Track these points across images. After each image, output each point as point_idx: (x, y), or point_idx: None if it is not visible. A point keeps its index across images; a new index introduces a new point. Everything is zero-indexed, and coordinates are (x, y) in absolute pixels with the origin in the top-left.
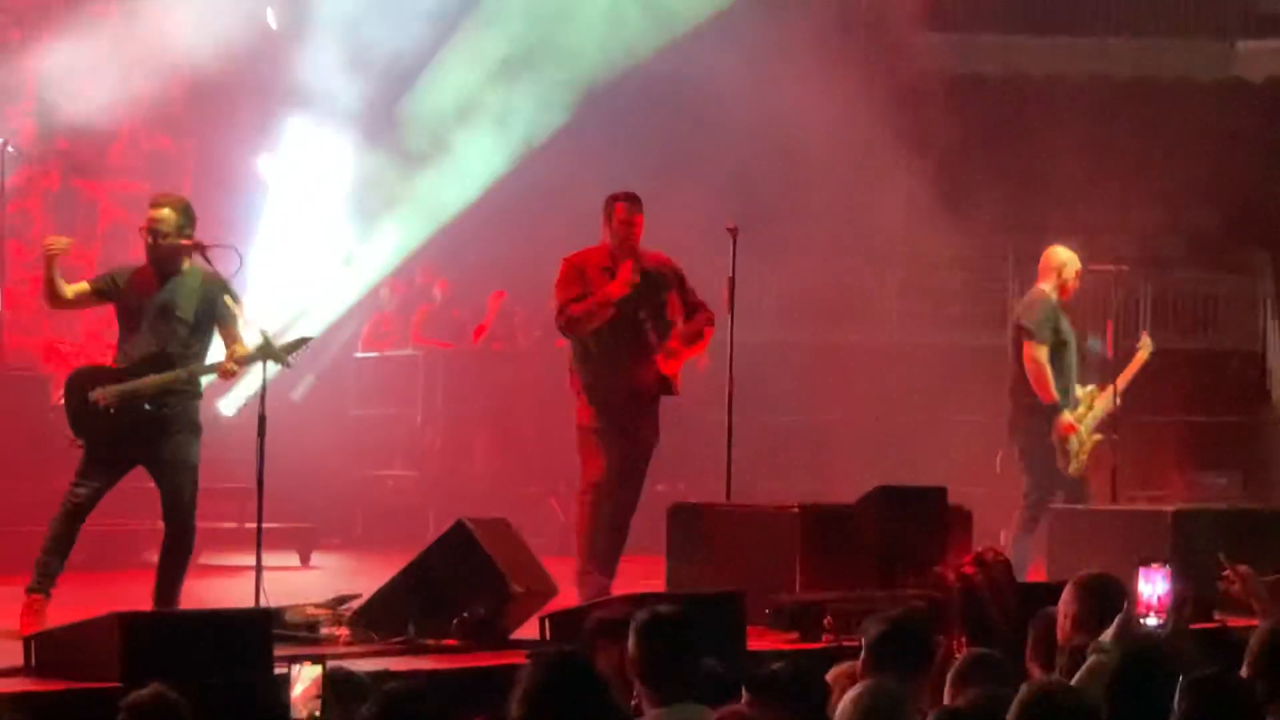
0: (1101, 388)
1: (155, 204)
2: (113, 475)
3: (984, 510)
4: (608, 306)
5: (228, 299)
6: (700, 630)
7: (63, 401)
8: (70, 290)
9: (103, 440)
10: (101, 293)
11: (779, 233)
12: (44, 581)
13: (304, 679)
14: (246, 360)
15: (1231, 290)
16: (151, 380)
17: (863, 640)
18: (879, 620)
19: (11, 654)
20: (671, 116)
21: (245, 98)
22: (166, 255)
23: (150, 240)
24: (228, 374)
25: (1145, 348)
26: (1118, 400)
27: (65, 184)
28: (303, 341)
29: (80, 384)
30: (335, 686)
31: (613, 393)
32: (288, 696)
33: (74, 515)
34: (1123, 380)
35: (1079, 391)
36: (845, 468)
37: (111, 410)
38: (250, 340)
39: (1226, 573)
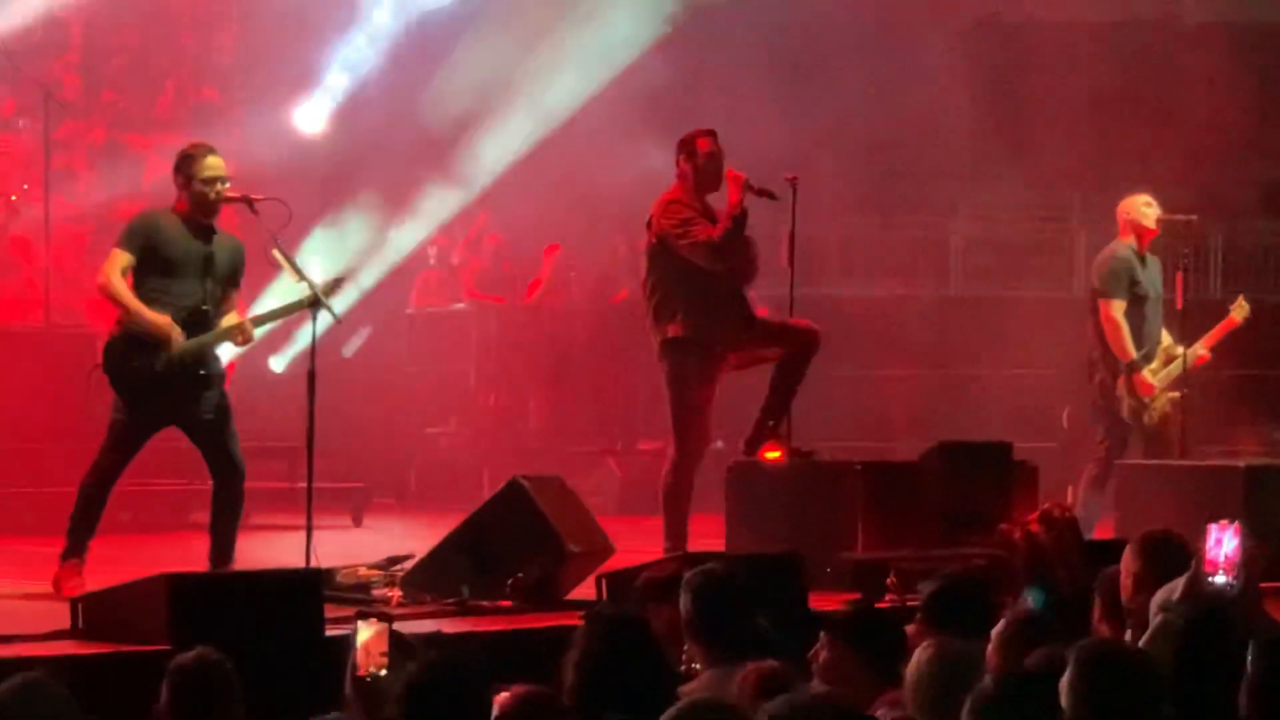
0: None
1: (210, 151)
2: (147, 438)
3: (1050, 466)
4: (742, 223)
5: (278, 253)
6: (754, 589)
7: (106, 365)
8: (127, 289)
9: (150, 403)
10: (143, 255)
11: (841, 184)
12: (79, 548)
13: (368, 634)
14: (282, 314)
15: None
16: (215, 334)
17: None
18: (935, 579)
19: (58, 617)
20: (729, 68)
21: (293, 48)
22: (216, 207)
23: (211, 191)
24: (247, 339)
25: (1241, 309)
26: (1190, 360)
27: (110, 137)
28: (338, 282)
29: (129, 350)
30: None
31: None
32: (353, 653)
33: (108, 482)
34: (1211, 340)
35: (1164, 341)
36: (908, 424)
37: (160, 370)
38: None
39: None
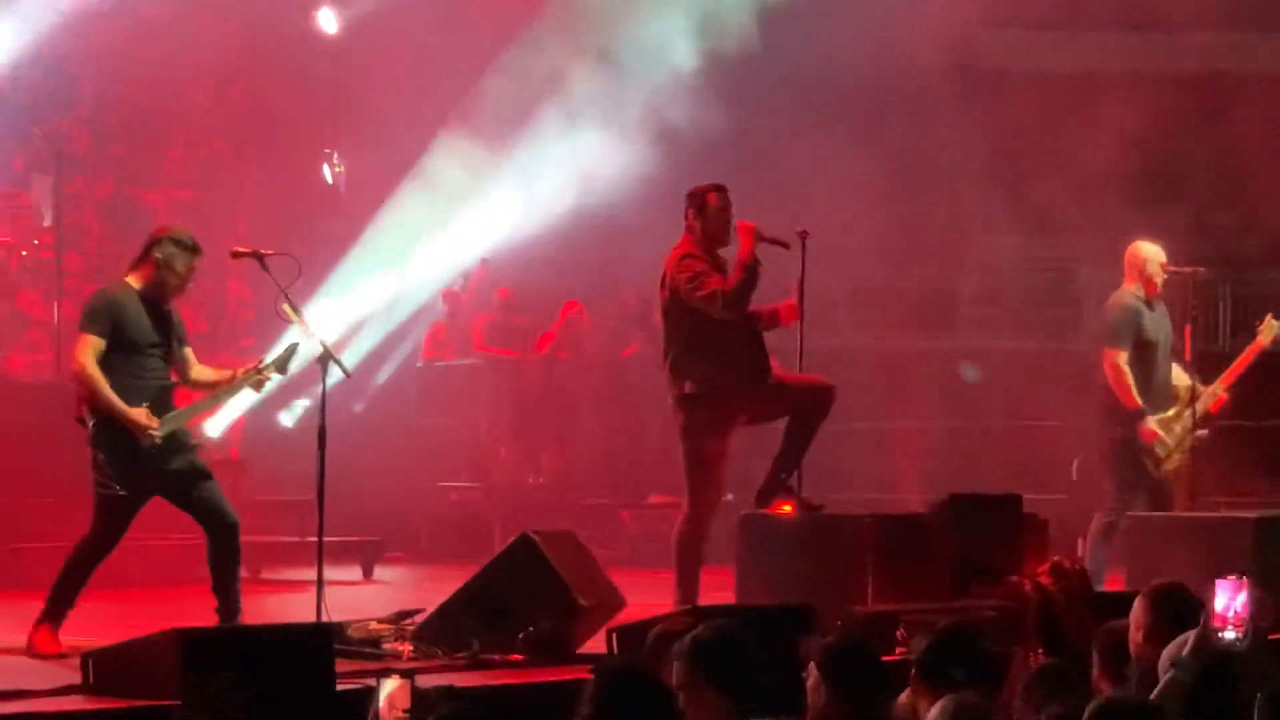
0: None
1: (196, 250)
2: (137, 511)
3: (1061, 518)
4: (755, 272)
5: (288, 308)
6: (763, 642)
7: (102, 454)
8: (104, 381)
9: (139, 479)
10: (111, 337)
11: (849, 236)
12: (58, 615)
13: (390, 690)
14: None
15: None
16: (186, 410)
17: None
18: (924, 635)
19: (69, 672)
20: (732, 119)
21: (302, 102)
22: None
23: (176, 285)
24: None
25: (1269, 330)
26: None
27: (119, 191)
28: (291, 349)
29: (119, 431)
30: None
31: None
32: (375, 708)
33: (99, 556)
34: (1235, 372)
35: (1184, 382)
36: (917, 476)
37: (147, 446)
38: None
39: None
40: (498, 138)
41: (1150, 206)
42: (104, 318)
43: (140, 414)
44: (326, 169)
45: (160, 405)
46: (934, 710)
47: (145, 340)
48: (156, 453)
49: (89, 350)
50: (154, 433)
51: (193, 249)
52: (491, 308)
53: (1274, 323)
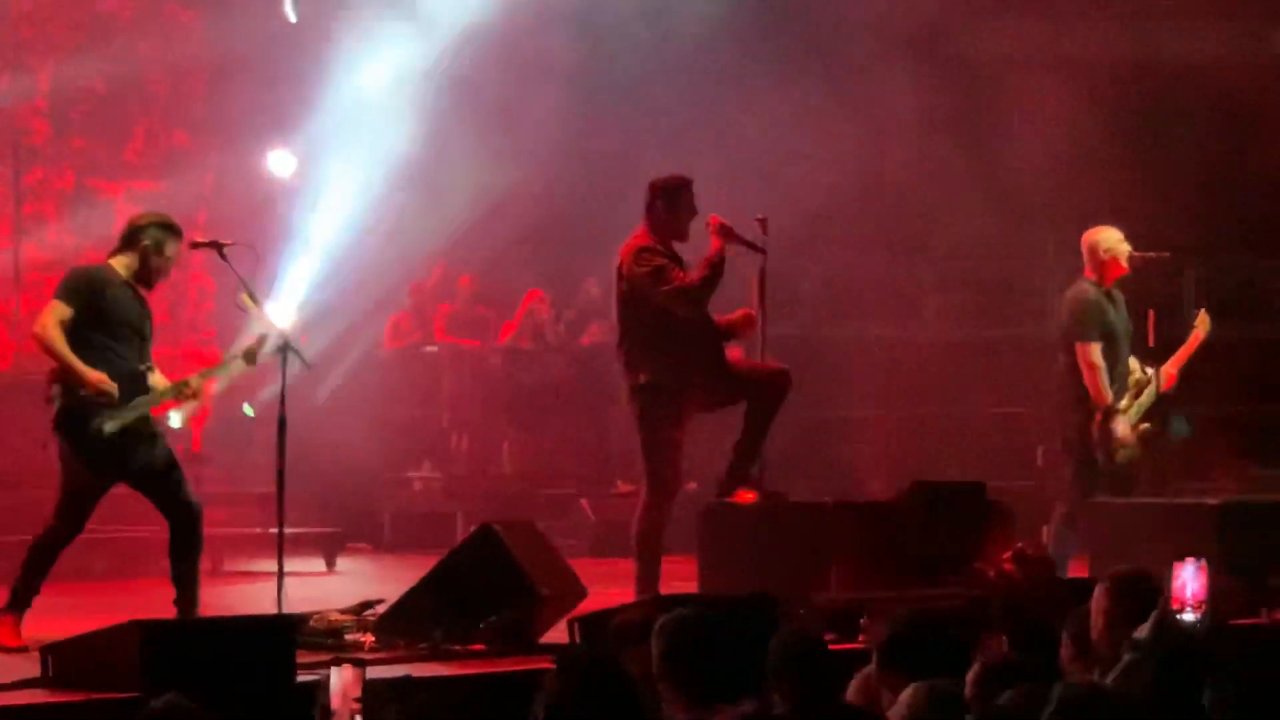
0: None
1: (180, 236)
2: (100, 497)
3: (1026, 506)
4: (721, 270)
5: (247, 299)
6: (726, 632)
7: (65, 439)
8: (65, 343)
9: (105, 465)
10: (85, 312)
11: (811, 225)
12: (23, 602)
13: (341, 680)
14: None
15: (1279, 277)
16: (148, 399)
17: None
18: (884, 622)
19: (28, 665)
20: (699, 109)
21: (264, 93)
22: (155, 283)
23: (160, 267)
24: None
25: (1203, 325)
26: (1160, 383)
27: (80, 183)
28: (261, 341)
29: (86, 415)
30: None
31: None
32: (325, 698)
33: (63, 542)
34: (1177, 361)
35: (1134, 371)
36: (882, 464)
37: (114, 432)
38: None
39: None
40: (459, 124)
41: (1116, 192)
42: (83, 292)
43: (99, 375)
44: (273, 161)
45: (132, 390)
46: (903, 697)
47: (125, 324)
48: (121, 439)
49: (54, 314)
50: (107, 387)
51: (178, 233)
52: (454, 297)
53: (1205, 317)
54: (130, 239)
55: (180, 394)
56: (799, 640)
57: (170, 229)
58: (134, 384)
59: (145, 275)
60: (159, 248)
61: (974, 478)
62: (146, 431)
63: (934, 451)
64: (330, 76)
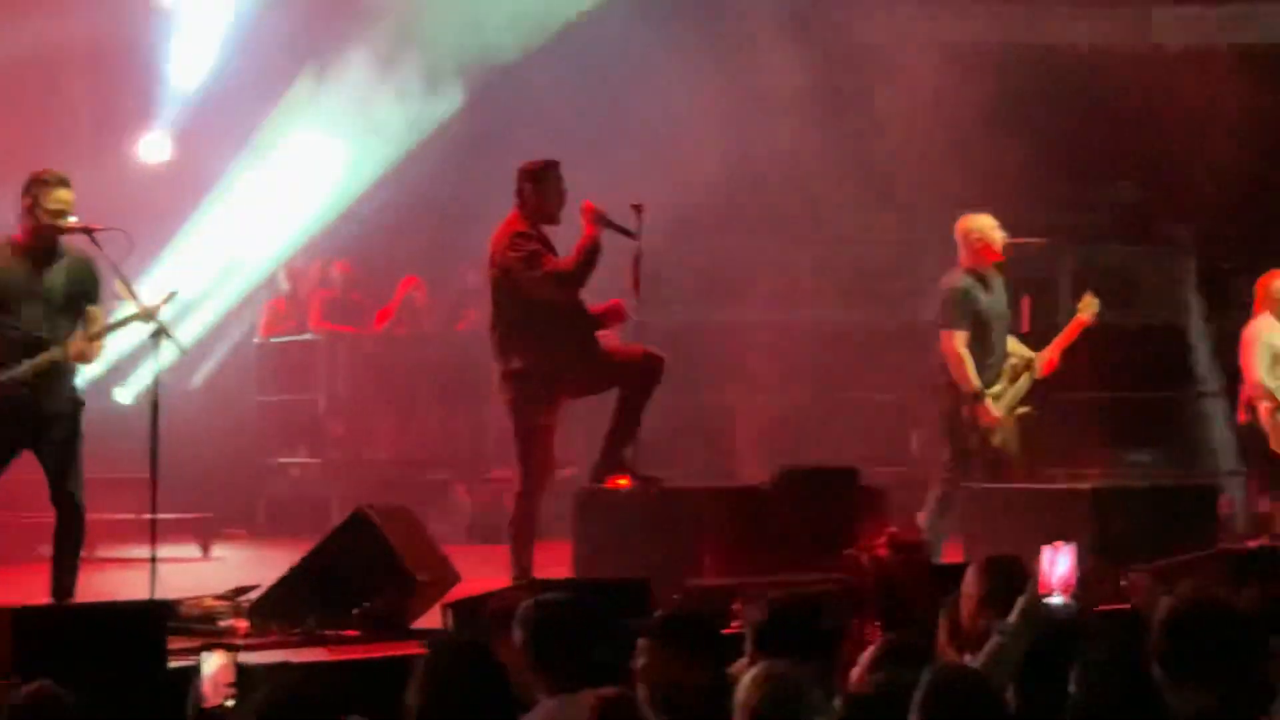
0: (1024, 362)
1: (61, 183)
2: (7, 462)
3: (900, 491)
4: (595, 256)
5: (119, 284)
6: (594, 617)
7: None
8: None
9: (15, 430)
10: None
11: (690, 209)
12: None
13: (213, 666)
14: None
15: (1153, 264)
16: (30, 365)
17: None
18: (759, 605)
19: None
20: (578, 93)
21: (126, 75)
22: (54, 236)
23: (49, 221)
24: (82, 355)
25: (1087, 308)
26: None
27: None
28: (170, 296)
29: None
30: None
31: None
32: (197, 685)
33: None
34: (1058, 346)
35: (1013, 353)
36: (757, 450)
37: (11, 392)
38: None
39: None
40: (334, 110)
41: (994, 179)
42: None
43: None
44: (145, 147)
45: (25, 354)
46: (745, 678)
47: (12, 292)
48: (32, 403)
49: None
50: None
51: (58, 181)
52: (329, 283)
53: (1093, 300)
54: (21, 200)
55: (65, 356)
56: (691, 617)
57: (44, 181)
58: (32, 351)
59: (37, 234)
60: (37, 201)
61: (850, 463)
62: (52, 398)
63: (812, 437)
64: (202, 60)
